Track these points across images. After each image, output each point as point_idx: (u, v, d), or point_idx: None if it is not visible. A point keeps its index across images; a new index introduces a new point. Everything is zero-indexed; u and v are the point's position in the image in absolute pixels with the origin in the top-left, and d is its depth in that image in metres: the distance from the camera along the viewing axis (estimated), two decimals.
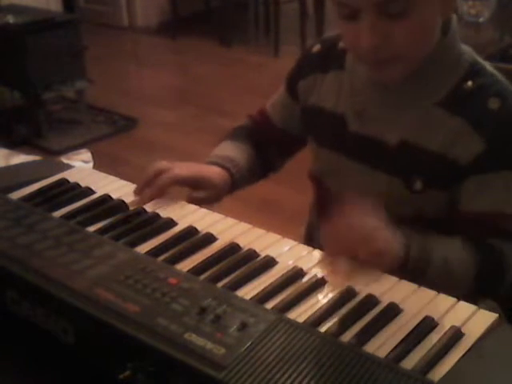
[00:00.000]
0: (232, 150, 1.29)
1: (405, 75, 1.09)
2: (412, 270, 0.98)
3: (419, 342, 0.78)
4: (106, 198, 1.13)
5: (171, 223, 1.05)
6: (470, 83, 1.09)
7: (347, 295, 0.86)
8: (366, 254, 0.91)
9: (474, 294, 1.05)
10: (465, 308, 0.83)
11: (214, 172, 1.21)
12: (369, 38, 1.01)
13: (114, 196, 1.13)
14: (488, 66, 1.13)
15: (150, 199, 1.11)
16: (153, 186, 1.12)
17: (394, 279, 0.90)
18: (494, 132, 1.06)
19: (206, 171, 1.20)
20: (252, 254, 0.96)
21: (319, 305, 0.85)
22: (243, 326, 0.77)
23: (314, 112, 1.23)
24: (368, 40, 1.01)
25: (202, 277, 0.90)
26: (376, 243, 0.93)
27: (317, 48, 1.25)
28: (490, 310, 0.83)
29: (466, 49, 1.13)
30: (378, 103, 1.14)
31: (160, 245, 0.99)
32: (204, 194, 1.16)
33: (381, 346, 0.77)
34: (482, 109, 1.07)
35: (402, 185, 1.11)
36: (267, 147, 1.34)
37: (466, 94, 1.08)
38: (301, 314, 0.83)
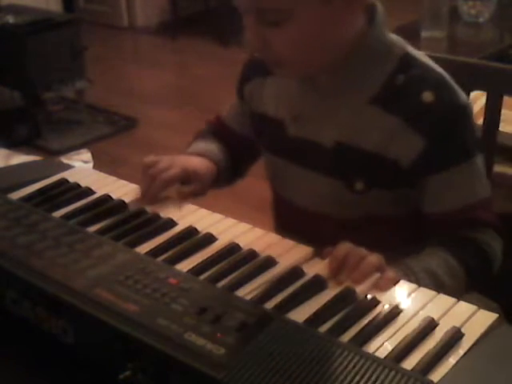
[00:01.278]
0: (209, 145, 1.29)
1: (303, 75, 1.10)
2: None
3: (419, 342, 0.78)
4: (106, 198, 1.13)
5: (171, 223, 1.05)
6: (401, 77, 1.05)
7: (347, 295, 0.86)
8: (366, 269, 0.90)
9: (469, 289, 1.05)
10: (465, 308, 0.83)
11: (199, 163, 1.21)
12: (250, 40, 1.03)
13: (114, 196, 1.13)
14: (421, 55, 1.10)
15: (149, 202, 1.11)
16: (148, 194, 1.11)
17: None
18: (431, 127, 1.03)
19: (192, 165, 1.19)
20: (252, 254, 0.96)
21: (319, 305, 0.85)
22: (243, 326, 0.77)
23: (258, 117, 1.23)
24: (249, 42, 1.03)
25: (202, 277, 0.90)
26: (372, 257, 0.92)
27: None
28: (489, 310, 0.83)
29: (396, 40, 1.09)
30: (313, 105, 1.12)
31: (160, 245, 0.99)
32: (192, 187, 1.16)
33: (381, 346, 0.77)
34: (415, 104, 1.03)
35: (343, 186, 1.10)
36: (230, 151, 1.33)
37: (398, 89, 1.05)
38: (301, 314, 0.83)
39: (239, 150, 1.33)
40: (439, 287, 0.95)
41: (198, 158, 1.23)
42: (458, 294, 0.93)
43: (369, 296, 0.86)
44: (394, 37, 1.10)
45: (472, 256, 1.06)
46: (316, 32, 1.01)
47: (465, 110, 1.06)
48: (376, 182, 1.09)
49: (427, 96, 1.03)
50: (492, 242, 1.09)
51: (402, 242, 1.09)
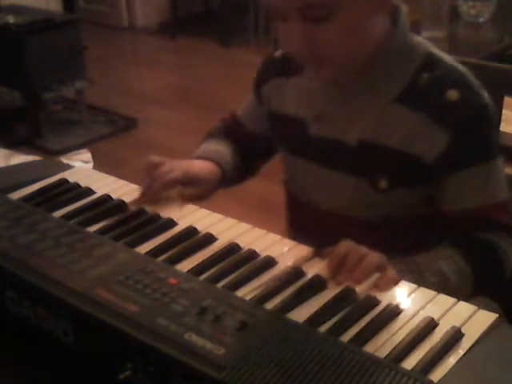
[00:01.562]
0: (218, 146, 1.30)
1: (342, 75, 1.09)
2: None
3: (419, 342, 0.78)
4: (106, 198, 1.13)
5: (171, 223, 1.05)
6: (425, 76, 1.06)
7: (347, 295, 0.86)
8: (366, 269, 0.89)
9: (476, 295, 1.05)
10: (465, 308, 0.84)
11: (202, 167, 1.21)
12: (295, 40, 1.01)
13: (114, 196, 1.13)
14: (447, 56, 1.11)
15: (148, 202, 1.11)
16: (149, 193, 1.11)
17: None
18: (456, 125, 1.04)
19: (194, 169, 1.19)
20: (252, 254, 0.96)
21: (319, 305, 0.85)
22: (243, 326, 0.77)
23: (277, 118, 1.23)
24: (295, 43, 1.02)
25: (202, 277, 0.90)
26: (372, 256, 0.91)
27: (279, 53, 1.25)
28: (489, 310, 0.83)
29: (420, 41, 1.11)
30: (336, 105, 1.13)
31: (160, 245, 0.99)
32: (194, 190, 1.16)
33: (381, 346, 0.77)
34: (440, 102, 1.04)
35: (366, 185, 1.10)
36: (242, 150, 1.34)
37: (422, 87, 1.06)
38: (301, 314, 0.83)
39: (252, 149, 1.33)
40: (445, 286, 0.95)
41: (202, 162, 1.23)
42: (465, 295, 0.93)
43: (369, 296, 0.86)
44: (418, 38, 1.11)
45: (482, 257, 1.06)
46: (359, 26, 1.02)
47: (488, 110, 1.07)
48: (400, 180, 1.09)
49: (452, 94, 1.04)
50: (506, 246, 1.08)
51: (416, 245, 1.09)
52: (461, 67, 1.09)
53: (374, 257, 0.91)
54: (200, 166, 1.21)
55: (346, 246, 0.92)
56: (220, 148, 1.29)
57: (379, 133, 1.08)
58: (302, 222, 1.25)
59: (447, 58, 1.10)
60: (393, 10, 1.08)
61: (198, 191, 1.17)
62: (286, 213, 1.32)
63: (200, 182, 1.18)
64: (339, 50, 1.02)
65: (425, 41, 1.12)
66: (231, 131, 1.35)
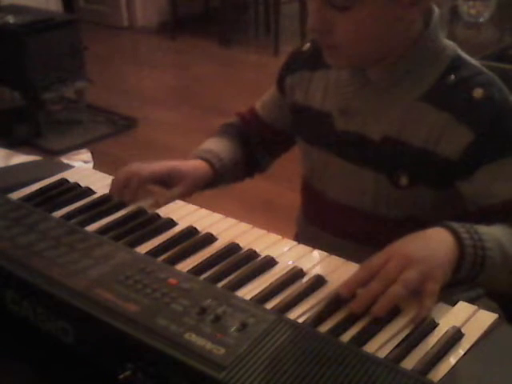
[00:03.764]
0: (216, 145, 1.30)
1: (354, 65, 1.11)
2: (471, 265, 0.93)
3: (419, 342, 0.78)
4: (106, 198, 1.13)
5: (171, 223, 1.05)
6: (452, 77, 1.09)
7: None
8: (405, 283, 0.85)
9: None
10: (465, 308, 0.84)
11: (186, 164, 1.21)
12: (311, 20, 1.05)
13: None
14: (471, 60, 1.13)
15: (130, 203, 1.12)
16: (127, 191, 1.12)
17: None
18: (480, 120, 1.05)
19: (176, 164, 1.19)
20: (252, 254, 0.96)
21: (319, 305, 0.85)
22: (243, 326, 0.77)
23: (301, 110, 1.24)
24: (310, 22, 1.05)
25: (202, 277, 0.90)
26: (413, 267, 0.86)
27: (307, 46, 1.26)
28: (490, 310, 0.83)
29: (448, 43, 1.13)
30: (362, 99, 1.14)
31: (160, 245, 0.99)
32: (176, 190, 1.16)
33: (381, 346, 0.77)
34: (465, 100, 1.06)
35: (387, 181, 1.11)
36: (254, 145, 1.35)
37: (449, 87, 1.08)
38: (301, 313, 0.83)
39: (265, 142, 1.35)
40: (505, 259, 0.95)
41: (189, 161, 1.23)
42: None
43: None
44: (446, 40, 1.13)
45: None
46: (379, 23, 1.04)
47: None
48: (421, 178, 1.09)
49: (477, 92, 1.06)
50: None
51: None
52: (484, 69, 1.11)
53: (414, 274, 0.85)
54: (182, 163, 1.21)
55: (386, 254, 0.88)
56: (216, 146, 1.29)
57: (403, 130, 1.09)
58: (318, 213, 1.25)
59: (472, 61, 1.12)
60: (427, 12, 1.10)
61: (179, 190, 1.16)
62: (300, 203, 1.32)
63: (181, 176, 1.18)
64: (351, 42, 1.04)
65: (453, 43, 1.13)
66: (247, 123, 1.36)
